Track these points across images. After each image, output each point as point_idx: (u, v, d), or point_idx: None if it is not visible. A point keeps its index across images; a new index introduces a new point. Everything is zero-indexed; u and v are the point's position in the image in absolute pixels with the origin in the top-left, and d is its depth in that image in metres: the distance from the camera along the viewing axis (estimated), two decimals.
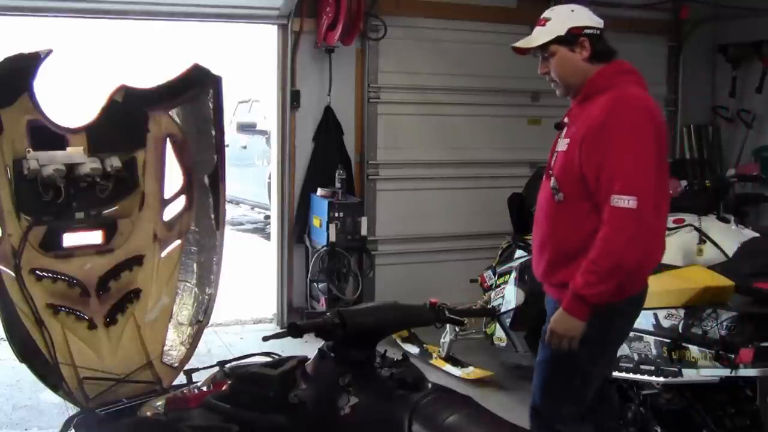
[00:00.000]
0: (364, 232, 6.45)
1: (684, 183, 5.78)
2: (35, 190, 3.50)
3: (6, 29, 6.69)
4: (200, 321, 4.02)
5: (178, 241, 4.00)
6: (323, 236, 6.37)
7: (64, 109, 4.05)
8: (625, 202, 2.79)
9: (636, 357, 3.86)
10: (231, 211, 10.89)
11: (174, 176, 3.97)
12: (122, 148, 3.77)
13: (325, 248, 6.36)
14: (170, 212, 3.98)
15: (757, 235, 5.03)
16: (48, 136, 3.54)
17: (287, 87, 6.52)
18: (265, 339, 2.43)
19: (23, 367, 3.61)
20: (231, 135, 10.32)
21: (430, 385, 2.27)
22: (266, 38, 6.67)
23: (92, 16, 6.11)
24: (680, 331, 3.73)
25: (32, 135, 3.48)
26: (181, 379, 3.58)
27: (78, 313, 3.65)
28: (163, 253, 3.94)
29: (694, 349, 3.65)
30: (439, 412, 2.12)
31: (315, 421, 2.29)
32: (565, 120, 3.12)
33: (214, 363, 2.77)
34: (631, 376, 3.81)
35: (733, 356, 3.49)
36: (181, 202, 4.02)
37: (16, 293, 3.44)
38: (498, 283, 5.37)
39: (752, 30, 7.65)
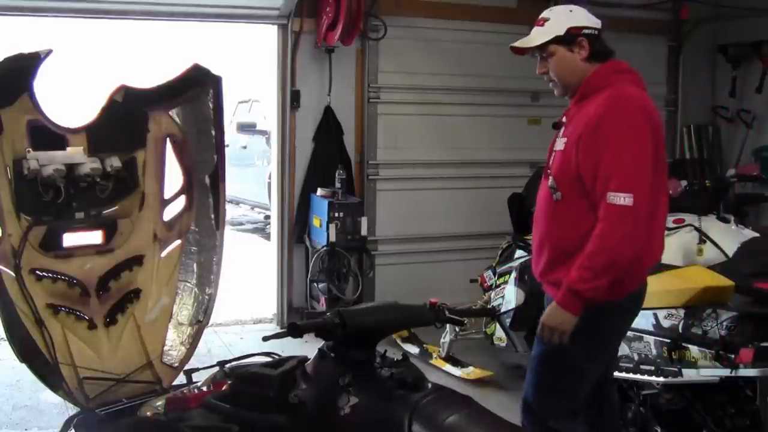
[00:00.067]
0: (364, 232, 6.45)
1: (684, 183, 5.78)
2: (35, 190, 3.50)
3: (6, 29, 6.69)
4: (200, 321, 4.02)
5: (178, 241, 4.00)
6: (323, 236, 6.37)
7: (64, 109, 4.05)
8: (621, 199, 2.80)
9: (636, 357, 3.86)
10: (231, 211, 10.89)
11: (174, 176, 3.97)
12: (122, 148, 3.77)
13: (325, 248, 6.36)
14: (170, 212, 3.98)
15: (757, 235, 5.03)
16: (48, 136, 3.54)
17: (287, 87, 6.52)
18: (265, 339, 2.43)
19: (23, 367, 3.61)
20: (231, 135, 10.32)
21: (430, 385, 2.27)
22: (266, 38, 6.67)
23: (92, 16, 6.11)
24: (680, 331, 3.73)
25: (32, 135, 3.48)
26: (181, 379, 3.58)
27: (78, 313, 3.65)
28: (163, 253, 3.95)
29: (694, 349, 3.65)
30: (439, 412, 2.12)
31: (315, 421, 2.29)
32: (563, 120, 3.13)
33: (214, 363, 2.77)
34: (631, 376, 3.81)
35: (733, 356, 3.49)
36: (181, 202, 4.02)
37: (16, 293, 3.44)
38: (498, 283, 5.37)
39: (752, 30, 7.64)
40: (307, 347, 2.66)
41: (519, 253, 5.29)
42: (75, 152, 3.60)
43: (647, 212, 2.85)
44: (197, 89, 3.91)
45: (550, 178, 3.06)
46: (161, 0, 6.08)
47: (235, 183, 9.55)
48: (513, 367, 5.51)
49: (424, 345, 5.96)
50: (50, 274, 3.59)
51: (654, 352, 3.80)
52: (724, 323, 3.61)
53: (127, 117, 3.75)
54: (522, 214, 5.23)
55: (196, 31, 9.22)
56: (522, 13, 6.49)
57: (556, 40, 3.03)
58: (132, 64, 10.65)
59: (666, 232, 5.39)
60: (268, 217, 9.42)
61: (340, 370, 2.27)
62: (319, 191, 6.49)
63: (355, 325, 2.30)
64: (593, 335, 3.04)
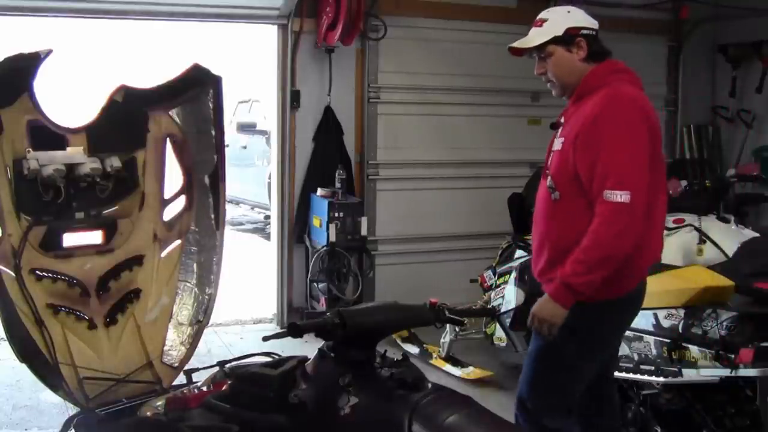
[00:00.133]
0: (364, 232, 6.45)
1: (684, 183, 5.78)
2: (35, 190, 3.50)
3: (6, 29, 6.69)
4: (200, 321, 4.02)
5: (178, 241, 4.00)
6: (323, 236, 6.37)
7: (64, 109, 4.05)
8: (618, 196, 2.81)
9: (636, 357, 3.86)
10: (231, 211, 10.89)
11: (174, 176, 3.97)
12: (122, 148, 3.77)
13: (325, 248, 6.36)
14: (170, 212, 3.98)
15: (757, 235, 5.03)
16: (48, 136, 3.54)
17: (287, 87, 6.52)
18: (265, 339, 2.43)
19: (23, 367, 3.61)
20: (231, 135, 10.32)
21: (430, 385, 2.27)
22: (266, 38, 6.67)
23: (92, 16, 6.11)
24: (680, 331, 3.73)
25: (32, 135, 3.48)
26: (181, 379, 3.58)
27: (78, 313, 3.65)
28: (163, 253, 3.94)
29: (694, 349, 3.65)
30: (439, 412, 2.12)
31: (315, 421, 2.29)
32: (561, 120, 3.15)
33: (214, 363, 2.77)
34: (631, 376, 3.81)
35: (733, 356, 3.49)
36: (181, 202, 4.01)
37: (16, 293, 3.44)
38: (498, 283, 5.37)
39: (752, 30, 7.64)
40: (307, 347, 2.67)
41: (519, 253, 5.29)
42: (75, 152, 3.60)
43: (644, 210, 2.85)
44: (197, 89, 3.90)
45: (549, 178, 3.07)
46: (161, 0, 6.08)
47: (235, 183, 9.55)
48: (513, 367, 5.50)
49: (424, 345, 5.96)
50: (50, 274, 3.59)
51: (654, 352, 3.80)
52: (724, 323, 3.61)
53: (127, 117, 3.75)
54: (522, 214, 5.23)
55: (196, 31, 9.22)
56: (522, 13, 6.48)
57: (555, 41, 3.04)
58: (132, 64, 10.65)
59: (666, 232, 5.44)
60: (268, 217, 9.42)
61: (340, 370, 2.27)
62: (319, 191, 6.49)
63: (355, 325, 2.30)
64: (590, 334, 3.05)
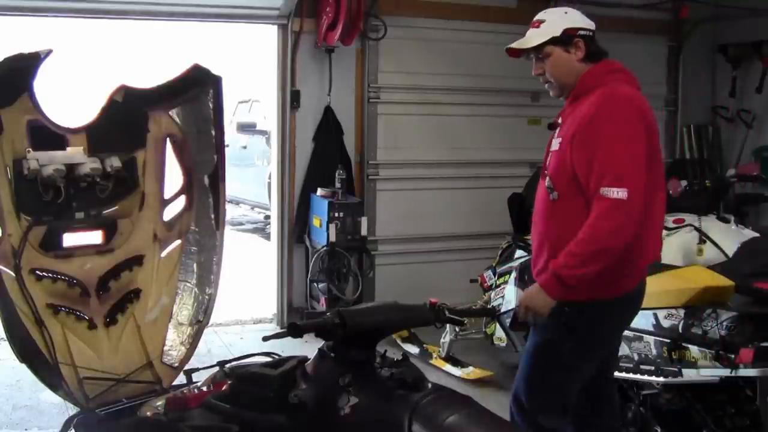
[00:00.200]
0: (364, 232, 6.45)
1: (684, 183, 5.78)
2: (35, 190, 3.50)
3: (6, 29, 6.69)
4: (200, 321, 4.02)
5: (178, 241, 4.00)
6: (323, 236, 6.37)
7: (64, 109, 4.05)
8: (615, 193, 2.82)
9: (636, 357, 3.86)
10: (231, 211, 10.89)
11: (174, 176, 3.97)
12: (122, 148, 3.77)
13: (325, 248, 6.36)
14: (170, 212, 3.98)
15: (757, 235, 5.03)
16: (48, 136, 3.54)
17: (287, 87, 6.52)
18: (265, 339, 2.43)
19: (23, 367, 3.61)
20: (231, 135, 10.32)
21: (430, 385, 2.27)
22: (266, 38, 6.67)
23: (92, 16, 6.11)
24: (680, 331, 3.73)
25: (32, 135, 3.48)
26: (181, 379, 3.58)
27: (78, 313, 3.65)
28: (163, 253, 3.94)
29: (694, 349, 3.65)
30: (439, 412, 2.12)
31: (315, 421, 2.29)
32: (558, 120, 3.16)
33: (214, 363, 2.77)
34: (631, 376, 3.81)
35: (733, 356, 3.49)
36: (181, 202, 4.02)
37: (16, 293, 3.44)
38: (498, 283, 5.37)
39: (752, 30, 7.65)
40: (307, 347, 2.67)
41: (519, 253, 5.29)
42: (75, 152, 3.60)
43: (641, 207, 2.85)
44: (197, 89, 3.91)
45: (547, 178, 3.08)
46: (161, 0, 6.08)
47: (235, 183, 9.55)
48: (513, 367, 5.47)
49: (424, 345, 5.96)
50: (50, 274, 3.59)
51: (654, 352, 3.80)
52: (724, 323, 3.61)
53: (127, 117, 3.75)
54: (522, 214, 5.23)
55: (196, 31, 9.22)
56: (522, 13, 6.45)
57: (553, 41, 3.06)
58: (132, 64, 10.65)
59: (666, 232, 5.44)
60: (268, 217, 9.42)
61: (340, 370, 2.27)
62: (319, 191, 6.49)
63: (355, 325, 2.30)
64: (589, 333, 3.05)
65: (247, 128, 11.08)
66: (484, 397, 2.78)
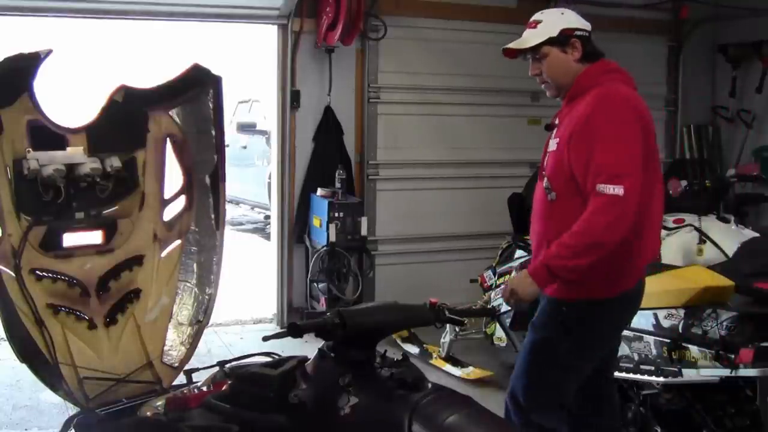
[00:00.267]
0: (364, 232, 6.45)
1: (684, 183, 5.78)
2: (35, 190, 3.50)
3: (6, 29, 6.69)
4: (200, 321, 4.02)
5: (178, 241, 4.00)
6: (323, 236, 6.37)
7: (64, 109, 4.05)
8: (611, 189, 2.82)
9: (636, 357, 3.86)
10: (231, 211, 10.89)
11: (174, 176, 3.97)
12: (122, 148, 3.77)
13: (325, 248, 6.36)
14: (170, 212, 3.98)
15: (757, 235, 5.03)
16: (48, 136, 3.54)
17: (287, 87, 6.52)
18: (265, 339, 2.43)
19: (23, 367, 3.62)
20: (231, 135, 10.32)
21: (430, 385, 2.27)
22: (266, 38, 6.66)
23: (92, 16, 6.11)
24: (680, 331, 3.73)
25: (32, 135, 3.48)
26: (181, 379, 3.58)
27: (78, 313, 3.65)
28: (163, 253, 3.95)
29: (694, 349, 3.65)
30: (439, 412, 2.12)
31: (315, 421, 2.29)
32: (555, 121, 3.17)
33: (214, 363, 2.77)
34: (631, 376, 3.81)
35: (733, 356, 3.49)
36: (181, 202, 4.02)
37: (16, 293, 3.44)
38: (498, 283, 5.37)
39: (752, 30, 7.65)
40: (307, 347, 2.66)
41: (519, 253, 5.29)
42: (75, 152, 3.60)
43: (636, 205, 2.84)
44: (197, 89, 3.91)
45: (545, 179, 3.09)
46: (161, 0, 6.08)
47: (235, 183, 9.55)
48: (513, 367, 5.47)
49: (424, 345, 5.96)
50: (50, 274, 3.59)
51: (654, 352, 3.80)
52: (724, 323, 3.60)
53: (127, 117, 3.75)
54: (522, 214, 5.22)
55: (196, 31, 9.22)
56: (522, 13, 6.39)
57: (550, 42, 3.07)
58: (132, 64, 10.65)
59: (666, 232, 5.45)
60: (268, 217, 9.42)
61: (340, 370, 2.27)
62: (319, 191, 6.49)
63: (355, 325, 2.30)
64: (588, 332, 3.06)
65: (247, 128, 11.08)
66: (484, 397, 2.78)
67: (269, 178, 8.67)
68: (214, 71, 3.94)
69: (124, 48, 11.36)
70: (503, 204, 5.65)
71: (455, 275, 6.48)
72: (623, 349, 3.82)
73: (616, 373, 3.72)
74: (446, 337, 5.66)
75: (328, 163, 6.57)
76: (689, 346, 3.67)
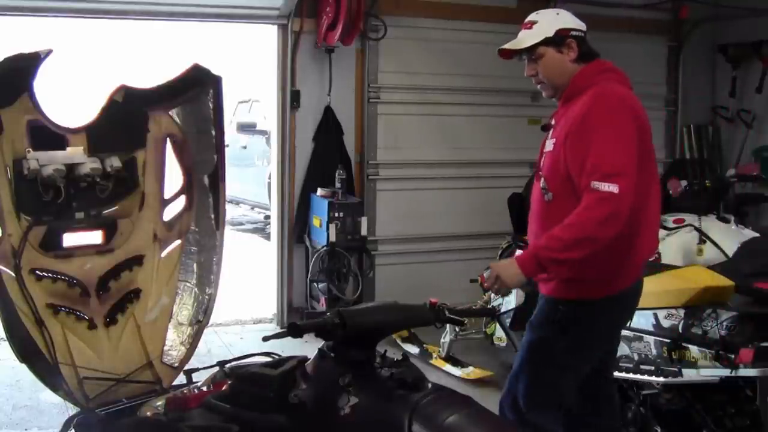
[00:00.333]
0: (364, 232, 6.45)
1: (684, 183, 5.78)
2: (35, 190, 3.50)
3: (6, 29, 6.69)
4: (200, 321, 4.02)
5: (178, 241, 4.00)
6: (323, 236, 6.37)
7: (64, 109, 4.05)
8: (605, 187, 2.80)
9: (636, 357, 3.86)
10: (231, 211, 10.89)
11: (174, 176, 3.97)
12: (122, 148, 3.77)
13: (325, 248, 6.36)
14: (170, 212, 3.98)
15: (757, 235, 5.03)
16: (48, 136, 3.54)
17: (287, 87, 6.52)
18: (265, 339, 2.43)
19: (23, 367, 3.61)
20: (231, 135, 10.32)
21: (430, 385, 2.27)
22: (266, 38, 6.67)
23: (92, 16, 6.11)
24: (680, 331, 3.73)
25: (32, 135, 3.48)
26: (181, 379, 3.58)
27: (78, 313, 3.65)
28: (163, 253, 3.94)
29: (694, 349, 3.65)
30: (439, 412, 2.12)
31: (315, 421, 2.29)
32: (552, 122, 3.17)
33: (214, 363, 2.77)
34: (631, 376, 3.81)
35: (733, 356, 3.49)
36: (181, 202, 4.02)
37: (16, 293, 3.44)
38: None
39: (752, 30, 7.65)
40: (307, 347, 2.66)
41: (519, 253, 5.28)
42: (75, 152, 3.60)
43: (630, 203, 2.83)
44: (197, 89, 3.91)
45: (542, 179, 3.09)
46: (161, 0, 6.08)
47: (235, 183, 9.55)
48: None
49: (424, 345, 5.96)
50: (50, 274, 3.59)
51: (654, 352, 3.80)
52: (724, 323, 3.60)
53: (127, 117, 3.75)
54: (522, 214, 5.19)
55: (196, 31, 9.22)
56: (522, 13, 6.33)
57: (546, 42, 3.07)
58: (132, 64, 10.65)
59: (666, 232, 5.45)
60: (268, 217, 9.42)
61: (340, 370, 2.27)
62: (319, 191, 6.49)
63: (355, 325, 2.30)
64: (586, 331, 3.05)
65: (247, 128, 11.08)
66: (484, 397, 2.78)
67: (269, 178, 8.67)
68: (214, 71, 3.93)
69: (124, 48, 11.36)
70: (503, 204, 5.65)
71: (455, 275, 6.47)
72: (623, 349, 3.82)
73: (616, 373, 3.72)
74: (446, 337, 5.66)
75: (328, 163, 6.57)
76: (689, 346, 3.67)
